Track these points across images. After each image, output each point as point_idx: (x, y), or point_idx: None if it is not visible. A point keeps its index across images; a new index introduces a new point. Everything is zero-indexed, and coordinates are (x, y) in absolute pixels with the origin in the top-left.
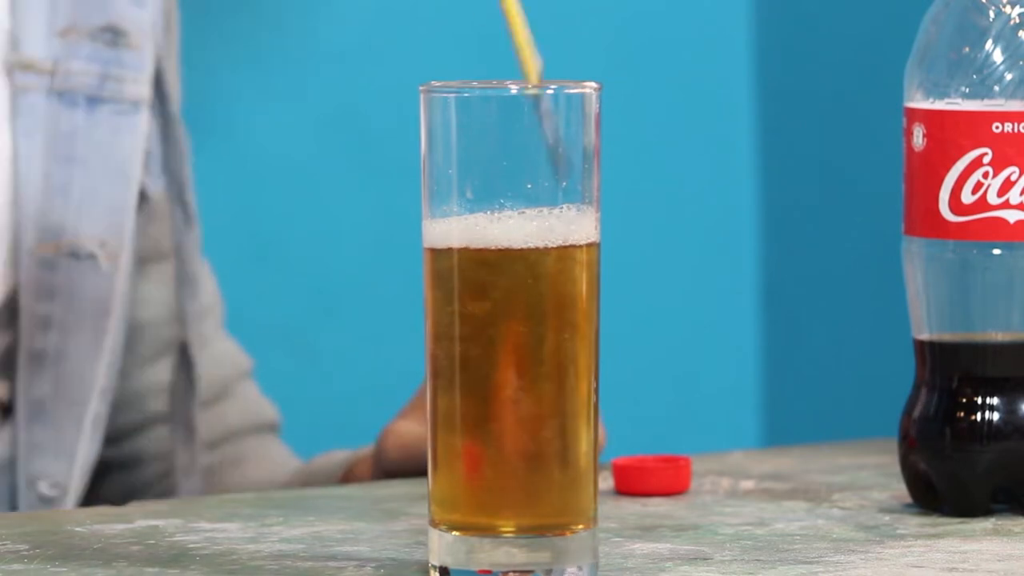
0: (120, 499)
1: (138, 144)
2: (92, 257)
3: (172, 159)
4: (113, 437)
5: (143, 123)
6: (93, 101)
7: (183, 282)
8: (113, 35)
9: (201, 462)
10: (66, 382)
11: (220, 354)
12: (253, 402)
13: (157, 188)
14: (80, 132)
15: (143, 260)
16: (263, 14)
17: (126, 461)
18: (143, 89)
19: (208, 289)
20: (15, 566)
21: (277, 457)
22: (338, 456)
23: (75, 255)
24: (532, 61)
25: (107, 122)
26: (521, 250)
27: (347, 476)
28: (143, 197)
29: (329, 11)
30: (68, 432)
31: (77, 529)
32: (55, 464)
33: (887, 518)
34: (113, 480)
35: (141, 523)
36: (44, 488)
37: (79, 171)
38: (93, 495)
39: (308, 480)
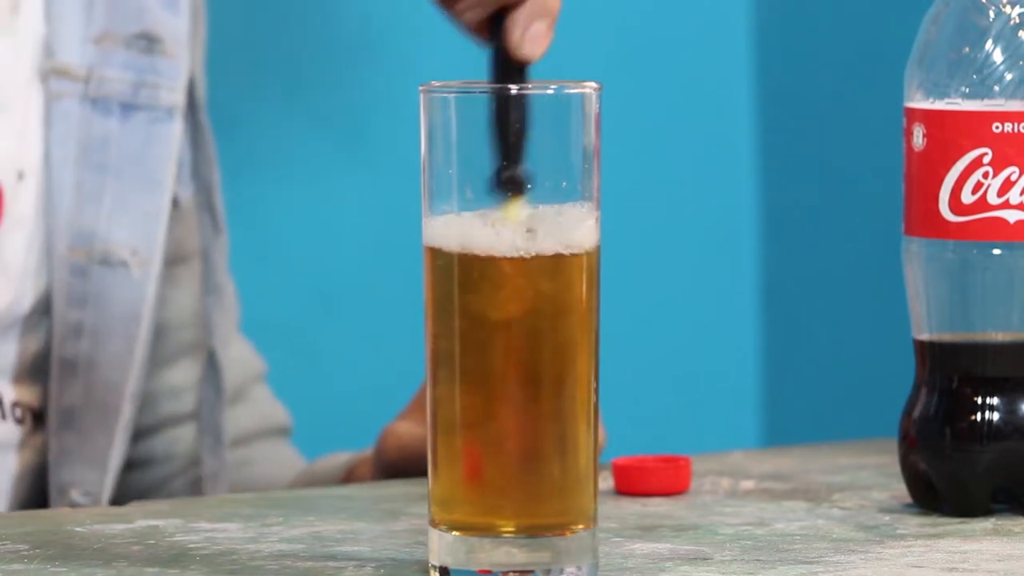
0: (134, 497)
1: (171, 152)
2: (124, 265)
3: (202, 166)
4: (131, 436)
5: (176, 131)
6: (127, 108)
7: (210, 290)
8: (148, 42)
9: (228, 467)
10: (97, 390)
11: (236, 356)
12: (267, 405)
13: (187, 194)
14: (113, 139)
15: (167, 262)
16: (262, 14)
17: (142, 460)
18: (178, 97)
19: (229, 293)
20: (15, 566)
21: (285, 460)
22: (340, 458)
23: (107, 262)
24: None
25: (141, 130)
26: (521, 250)
27: (348, 477)
28: (174, 204)
29: (328, 10)
30: (99, 440)
31: (77, 529)
32: (87, 472)
33: (887, 518)
34: (128, 478)
35: (141, 523)
36: (76, 496)
37: (112, 178)
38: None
39: (310, 482)
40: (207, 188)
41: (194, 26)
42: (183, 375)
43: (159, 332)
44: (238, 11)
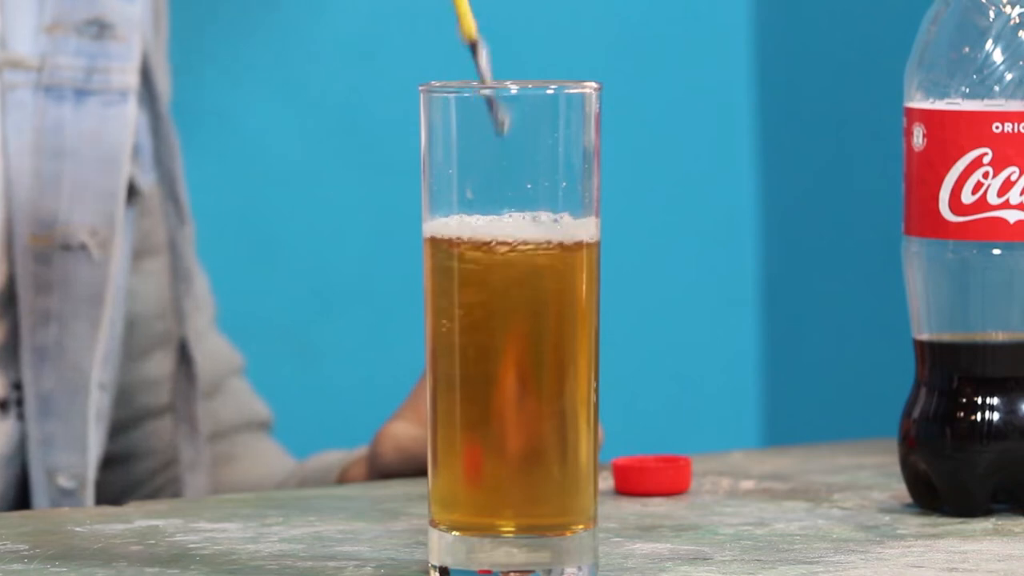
0: (119, 493)
1: (126, 133)
2: (83, 247)
3: (163, 154)
4: (110, 431)
5: (131, 112)
6: (81, 94)
7: (178, 278)
8: (99, 28)
9: (206, 457)
10: (68, 374)
11: (212, 350)
12: (245, 399)
13: (148, 182)
14: (68, 125)
15: (136, 254)
16: (262, 11)
17: (123, 455)
18: (130, 79)
19: (200, 285)
20: (15, 566)
21: (270, 455)
22: (333, 456)
23: (67, 246)
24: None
25: (95, 113)
26: (521, 250)
27: (343, 478)
28: (133, 190)
29: (328, 9)
30: (76, 424)
31: (77, 529)
32: (70, 457)
33: (887, 518)
34: (112, 474)
35: (141, 523)
36: (63, 481)
37: (69, 163)
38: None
39: (303, 481)
40: (170, 178)
41: (154, 17)
42: (157, 367)
43: (131, 325)
44: (238, 8)
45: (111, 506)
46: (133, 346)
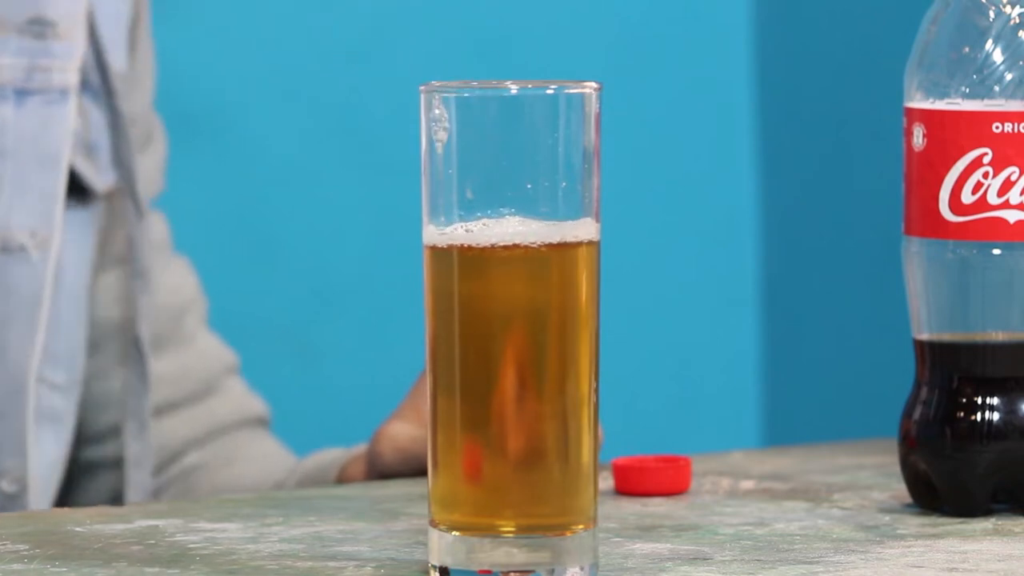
0: (112, 499)
1: (66, 132)
2: (22, 249)
3: (123, 152)
4: (93, 438)
5: (71, 111)
6: (21, 94)
7: (135, 274)
8: (40, 27)
9: (155, 459)
10: (6, 376)
11: (204, 350)
12: (241, 397)
13: (107, 182)
14: (9, 126)
15: (106, 262)
16: (263, 13)
17: (112, 461)
18: (70, 77)
19: (188, 284)
20: (15, 566)
21: (270, 453)
22: (332, 455)
23: (6, 248)
24: None
25: (36, 113)
26: (521, 249)
27: (341, 476)
28: (88, 191)
29: (328, 10)
30: (15, 426)
31: (77, 529)
32: (10, 460)
33: (887, 518)
34: (103, 480)
35: (141, 523)
36: (4, 485)
37: (10, 164)
38: (82, 495)
39: (302, 479)
40: (129, 174)
41: (134, 11)
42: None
43: (101, 333)
44: (239, 10)
45: (111, 506)
46: (105, 354)
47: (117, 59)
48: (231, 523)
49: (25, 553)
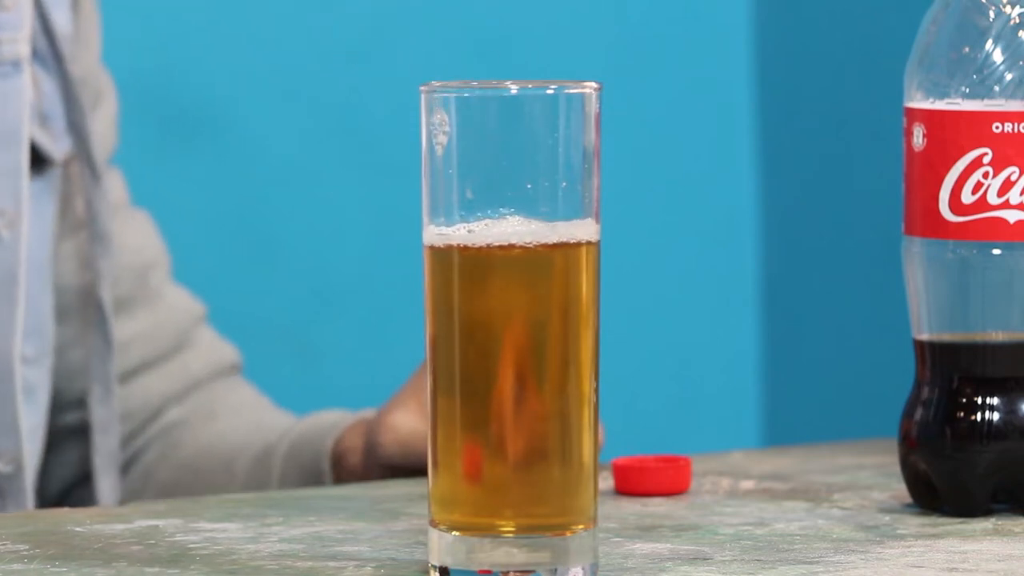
0: (81, 467)
1: (23, 104)
2: None
3: (76, 117)
4: (65, 405)
5: (26, 82)
6: None
7: (94, 239)
8: None
9: (135, 418)
10: None
11: (173, 304)
12: (213, 346)
13: (62, 149)
14: None
15: (65, 229)
16: (262, 12)
17: (80, 428)
18: (22, 48)
19: (150, 241)
20: (15, 566)
21: (247, 401)
22: (330, 418)
23: None
24: None
25: None
26: (521, 249)
27: (337, 447)
28: (46, 160)
29: (328, 9)
30: (6, 407)
31: (77, 529)
32: (3, 440)
33: (887, 518)
34: (71, 448)
35: (141, 523)
36: (1, 466)
37: None
38: (53, 467)
39: (296, 441)
40: (83, 139)
41: None
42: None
43: (64, 300)
44: (239, 9)
45: (112, 507)
46: (72, 322)
47: (61, 20)
48: (231, 523)
49: (25, 553)
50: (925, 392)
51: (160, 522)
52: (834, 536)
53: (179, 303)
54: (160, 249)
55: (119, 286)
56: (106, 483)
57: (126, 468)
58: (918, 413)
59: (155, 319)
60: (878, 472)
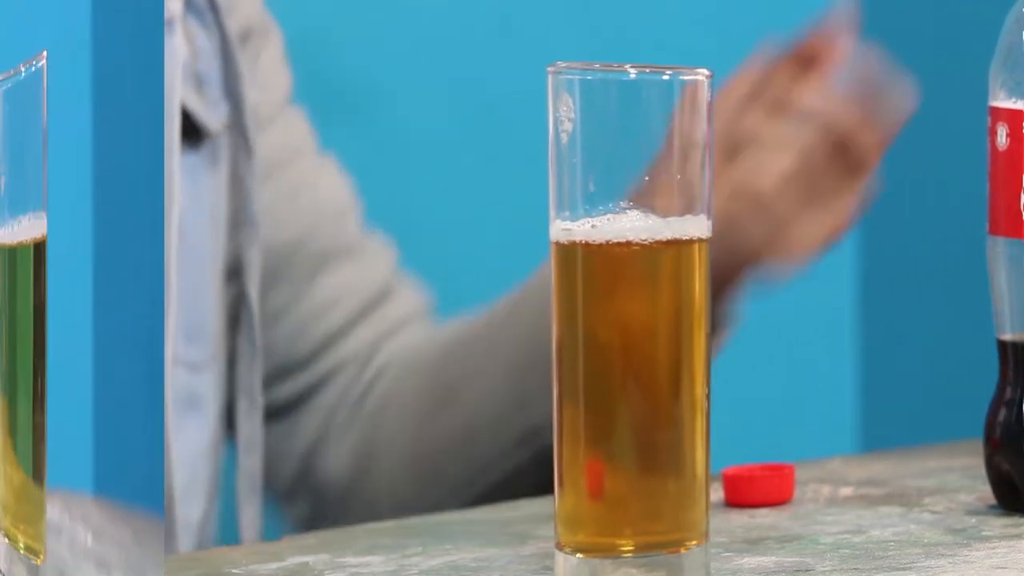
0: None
1: (175, 67)
2: None
3: (232, 82)
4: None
5: (179, 42)
6: None
7: (242, 224)
8: None
9: (352, 367)
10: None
11: (372, 252)
12: (412, 291)
13: (219, 117)
14: None
15: None
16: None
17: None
18: (173, 4)
19: (341, 189)
20: None
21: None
22: None
23: None
24: None
25: None
26: (639, 247)
27: None
28: (200, 131)
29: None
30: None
31: (235, 571)
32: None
33: (973, 520)
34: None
35: (293, 559)
36: None
37: None
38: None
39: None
40: (239, 107)
41: None
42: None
43: None
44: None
45: (264, 543)
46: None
47: None
48: (374, 555)
49: None
50: (1008, 392)
51: (310, 558)
52: (925, 541)
53: (377, 250)
54: (350, 194)
55: (316, 240)
56: (249, 511)
57: (348, 424)
58: (1001, 413)
59: (358, 270)
60: (965, 474)
